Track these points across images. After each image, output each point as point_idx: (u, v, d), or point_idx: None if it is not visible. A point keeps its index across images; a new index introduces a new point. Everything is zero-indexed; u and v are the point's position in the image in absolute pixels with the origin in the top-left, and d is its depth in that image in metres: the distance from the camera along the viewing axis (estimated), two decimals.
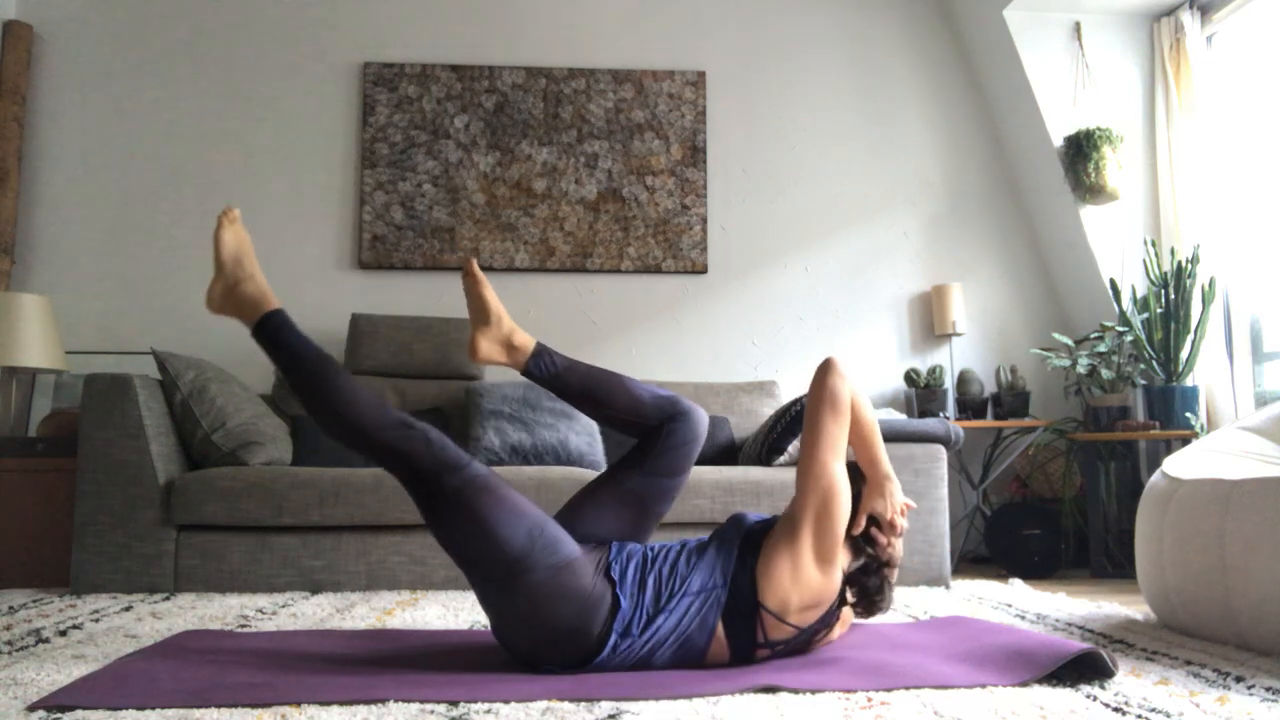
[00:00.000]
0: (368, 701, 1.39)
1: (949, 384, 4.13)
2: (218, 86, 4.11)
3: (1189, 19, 3.84)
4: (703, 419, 1.83)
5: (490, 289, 1.85)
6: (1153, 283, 3.71)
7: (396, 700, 1.40)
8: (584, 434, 3.40)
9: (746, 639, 1.62)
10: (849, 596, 1.70)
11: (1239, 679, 1.56)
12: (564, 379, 1.84)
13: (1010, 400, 3.94)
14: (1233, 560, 1.86)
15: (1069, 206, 4.03)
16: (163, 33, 4.11)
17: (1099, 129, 3.89)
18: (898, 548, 1.75)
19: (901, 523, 1.73)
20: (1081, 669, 1.57)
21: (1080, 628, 2.12)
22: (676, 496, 1.86)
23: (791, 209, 4.29)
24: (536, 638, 1.58)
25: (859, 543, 1.73)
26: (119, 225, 4.00)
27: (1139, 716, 1.32)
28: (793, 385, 4.13)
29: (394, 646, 1.87)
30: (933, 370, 4.02)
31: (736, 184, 4.28)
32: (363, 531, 2.93)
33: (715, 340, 4.19)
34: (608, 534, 1.76)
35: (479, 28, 4.24)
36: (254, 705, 1.38)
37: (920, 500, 3.10)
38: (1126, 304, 3.81)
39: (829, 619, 1.67)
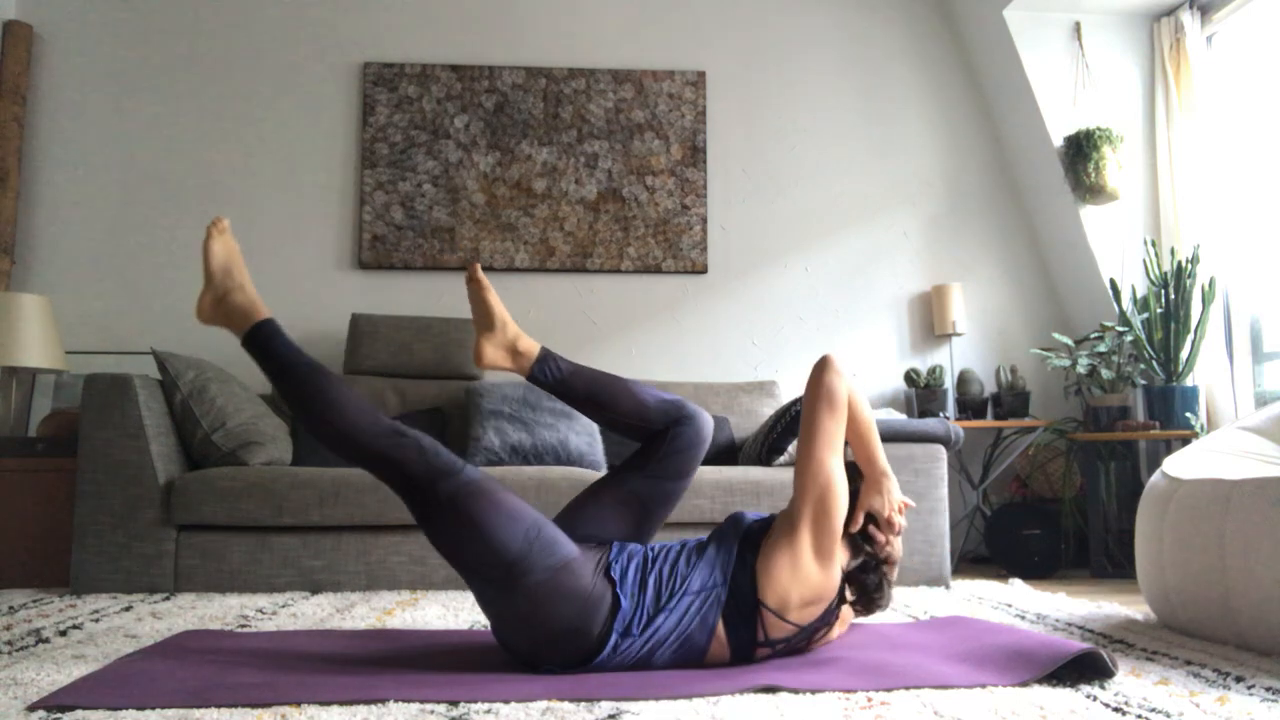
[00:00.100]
0: (368, 701, 1.39)
1: (949, 384, 4.13)
2: (218, 86, 4.11)
3: (1189, 19, 3.84)
4: (708, 423, 1.84)
5: (495, 294, 1.86)
6: (1153, 283, 3.71)
7: (396, 700, 1.40)
8: (584, 434, 3.40)
9: (747, 638, 1.62)
10: (848, 594, 1.70)
11: (1239, 679, 1.56)
12: (569, 384, 1.84)
13: (1010, 400, 3.94)
14: (1233, 560, 1.86)
15: (1069, 206, 4.03)
16: (163, 33, 4.12)
17: (1099, 129, 3.89)
18: (896, 546, 1.76)
19: (899, 520, 1.73)
20: (1081, 669, 1.57)
21: (1080, 628, 2.12)
22: (680, 499, 1.86)
23: (791, 209, 4.29)
24: (536, 638, 1.58)
25: (857, 541, 1.73)
26: (119, 225, 4.00)
27: (1139, 716, 1.32)
28: (793, 385, 4.13)
29: (394, 646, 1.87)
30: (933, 370, 4.03)
31: (736, 184, 4.28)
32: (363, 531, 2.93)
33: (715, 340, 4.19)
34: (610, 535, 1.76)
35: (479, 28, 4.24)
36: (254, 705, 1.38)
37: (920, 500, 3.10)
38: (1126, 304, 3.81)
39: (828, 617, 1.67)
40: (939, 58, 4.40)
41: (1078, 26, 4.08)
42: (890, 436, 3.12)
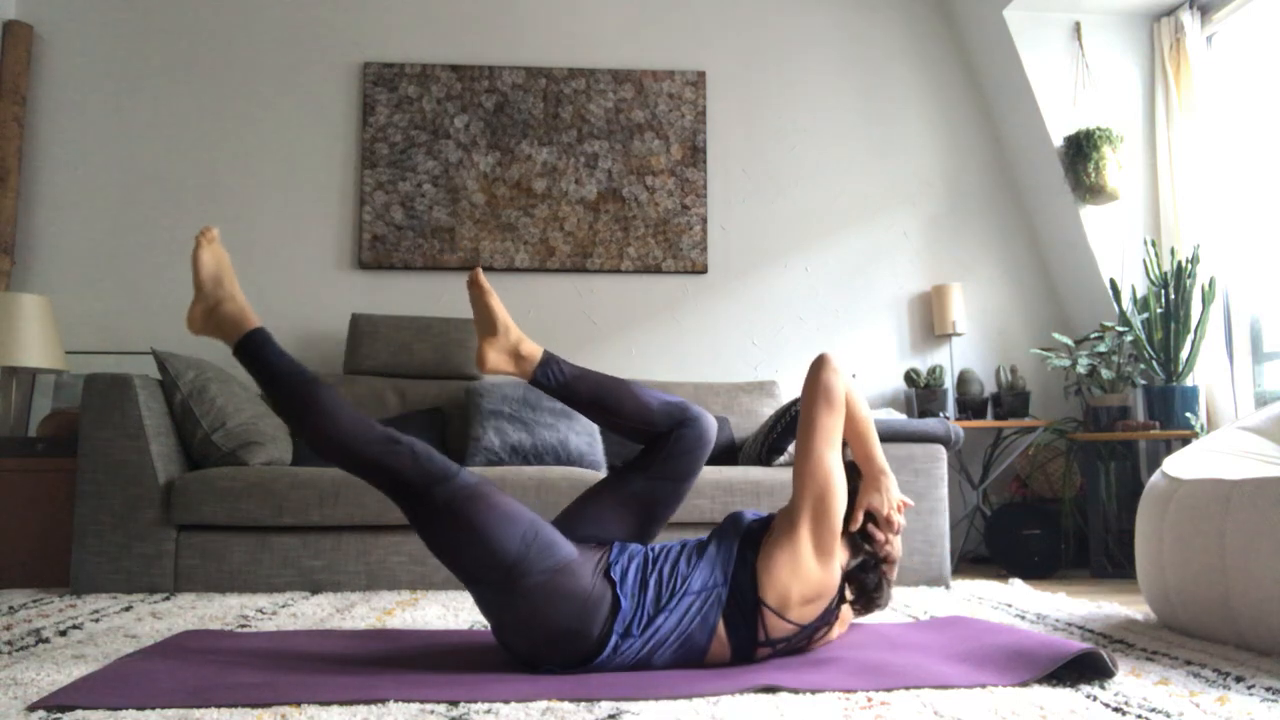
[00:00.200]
0: (368, 701, 1.39)
1: (949, 384, 4.13)
2: (218, 86, 4.11)
3: (1189, 19, 3.84)
4: (711, 425, 1.83)
5: (496, 299, 1.85)
6: (1153, 283, 3.71)
7: (396, 700, 1.40)
8: (584, 434, 3.40)
9: (747, 637, 1.62)
10: (848, 594, 1.70)
11: (1239, 679, 1.56)
12: (572, 388, 1.84)
13: (1010, 400, 3.94)
14: (1233, 560, 1.86)
15: (1069, 206, 4.03)
16: (163, 33, 4.12)
17: (1099, 129, 3.89)
18: (896, 545, 1.76)
19: (898, 519, 1.73)
20: (1081, 669, 1.57)
21: (1080, 628, 2.12)
22: (682, 501, 1.86)
23: (791, 209, 4.29)
24: (536, 640, 1.58)
25: (857, 540, 1.73)
26: (119, 225, 4.00)
27: (1139, 716, 1.32)
28: (793, 385, 4.13)
29: (394, 646, 1.87)
30: (933, 370, 4.03)
31: (736, 184, 4.28)
32: (363, 531, 2.93)
33: (715, 340, 4.19)
34: (612, 536, 1.76)
35: (479, 28, 4.24)
36: (254, 705, 1.38)
37: (920, 500, 3.11)
38: (1126, 304, 3.81)
39: (828, 616, 1.67)
40: (939, 58, 4.40)
41: (1078, 26, 4.08)
42: (890, 436, 3.12)
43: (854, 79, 4.37)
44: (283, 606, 2.52)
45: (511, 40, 4.24)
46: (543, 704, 1.39)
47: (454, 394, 3.68)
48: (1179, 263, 3.65)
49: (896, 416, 3.56)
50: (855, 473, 1.78)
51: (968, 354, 4.25)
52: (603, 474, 3.23)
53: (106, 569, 2.83)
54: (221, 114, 4.11)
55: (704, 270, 4.17)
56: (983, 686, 1.49)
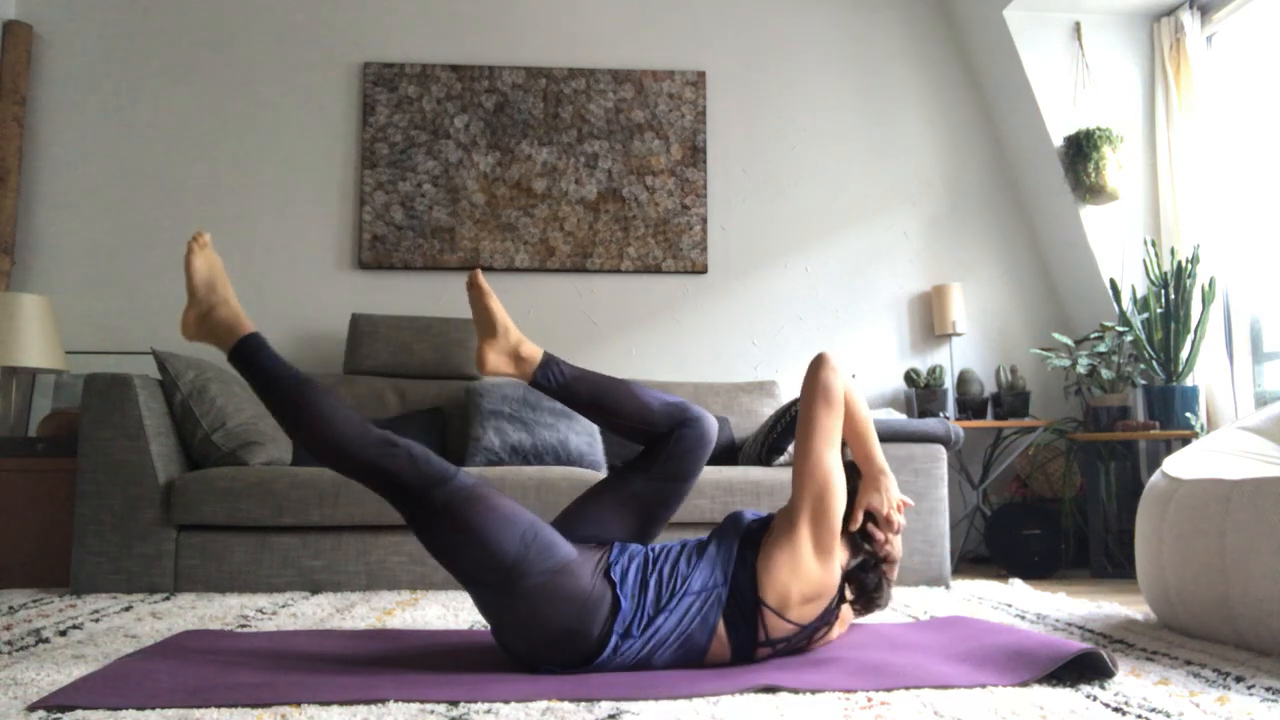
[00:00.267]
0: (368, 701, 1.39)
1: (949, 384, 4.13)
2: (218, 86, 4.11)
3: (1189, 19, 3.84)
4: (712, 425, 1.83)
5: (496, 300, 1.85)
6: (1153, 283, 3.71)
7: (396, 700, 1.40)
8: (584, 434, 3.40)
9: (747, 637, 1.62)
10: (847, 593, 1.70)
11: (1239, 679, 1.56)
12: (572, 389, 1.84)
13: (1010, 400, 3.94)
14: (1233, 560, 1.86)
15: (1069, 206, 4.03)
16: (163, 33, 4.12)
17: (1099, 129, 3.89)
18: (896, 544, 1.76)
19: (898, 519, 1.73)
20: (1081, 669, 1.57)
21: (1080, 628, 2.12)
22: (683, 501, 1.86)
23: (791, 209, 4.29)
24: (536, 641, 1.58)
25: (856, 540, 1.73)
26: (119, 225, 4.00)
27: (1139, 716, 1.32)
28: (793, 385, 4.13)
29: (394, 646, 1.87)
30: (933, 370, 4.03)
31: (736, 184, 4.28)
32: (363, 531, 2.93)
33: (715, 340, 4.19)
34: (612, 536, 1.76)
35: (479, 28, 4.24)
36: (254, 705, 1.38)
37: (920, 500, 3.11)
38: (1126, 304, 3.81)
39: (828, 616, 1.67)
40: (939, 58, 4.40)
41: (1078, 26, 4.08)
42: (890, 436, 3.12)
43: (854, 79, 4.37)
44: (283, 606, 2.52)
45: (511, 40, 4.25)
46: (543, 704, 1.39)
47: (454, 394, 3.68)
48: (1179, 263, 3.65)
49: (896, 416, 3.56)
50: (855, 472, 1.78)
51: (968, 354, 4.25)
52: (603, 474, 3.23)
53: (106, 569, 2.83)
54: (221, 114, 4.11)
55: (704, 270, 4.17)
56: (983, 686, 1.49)
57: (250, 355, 1.70)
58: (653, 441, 1.82)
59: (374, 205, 4.07)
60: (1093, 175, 3.86)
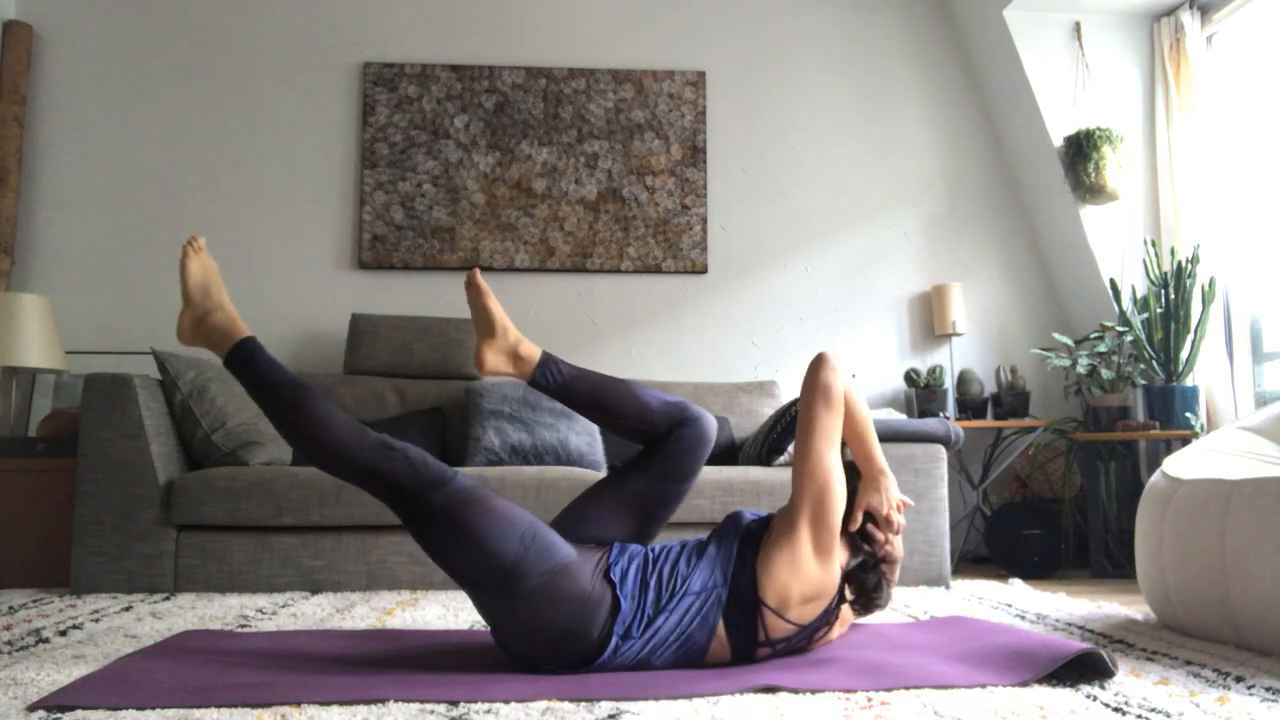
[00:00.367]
0: (368, 701, 1.39)
1: (949, 384, 4.13)
2: (218, 86, 4.11)
3: (1189, 19, 3.84)
4: (711, 425, 1.83)
5: (494, 300, 1.85)
6: (1153, 283, 3.71)
7: (396, 700, 1.40)
8: (584, 434, 3.40)
9: (747, 637, 1.62)
10: (847, 594, 1.70)
11: (1239, 679, 1.56)
12: (571, 388, 1.83)
13: (1010, 400, 3.94)
14: (1233, 560, 1.86)
15: (1069, 206, 4.03)
16: (163, 33, 4.12)
17: (1099, 129, 3.89)
18: (896, 545, 1.75)
19: (898, 519, 1.73)
20: (1081, 669, 1.57)
21: (1080, 628, 2.12)
22: (682, 501, 1.86)
23: (791, 209, 4.29)
24: (536, 642, 1.58)
25: (856, 540, 1.73)
26: (119, 225, 4.00)
27: (1139, 716, 1.32)
28: (793, 385, 4.13)
29: (394, 646, 1.87)
30: (933, 370, 4.03)
31: (736, 184, 4.28)
32: (363, 531, 2.93)
33: (715, 340, 4.19)
34: (611, 536, 1.75)
35: (479, 28, 4.24)
36: (254, 705, 1.38)
37: (920, 500, 3.11)
38: (1126, 304, 3.81)
39: (828, 616, 1.67)
40: (939, 58, 4.40)
41: (1078, 26, 4.08)
42: (890, 436, 3.12)
43: (854, 79, 4.37)
44: (283, 606, 2.52)
45: (511, 40, 4.25)
46: (543, 704, 1.39)
47: (454, 394, 3.68)
48: (1179, 263, 3.65)
49: (896, 416, 3.56)
50: (855, 473, 1.78)
51: (968, 354, 4.25)
52: (603, 474, 3.23)
53: (106, 569, 2.83)
54: (221, 114, 4.11)
55: (704, 270, 4.17)
56: (983, 686, 1.49)
57: (246, 360, 1.70)
58: (652, 441, 1.82)
59: (374, 205, 4.07)
60: (1093, 175, 3.86)
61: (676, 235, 4.16)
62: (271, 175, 4.10)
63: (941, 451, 3.17)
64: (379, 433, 1.66)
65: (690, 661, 1.62)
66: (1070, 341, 3.93)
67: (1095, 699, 1.42)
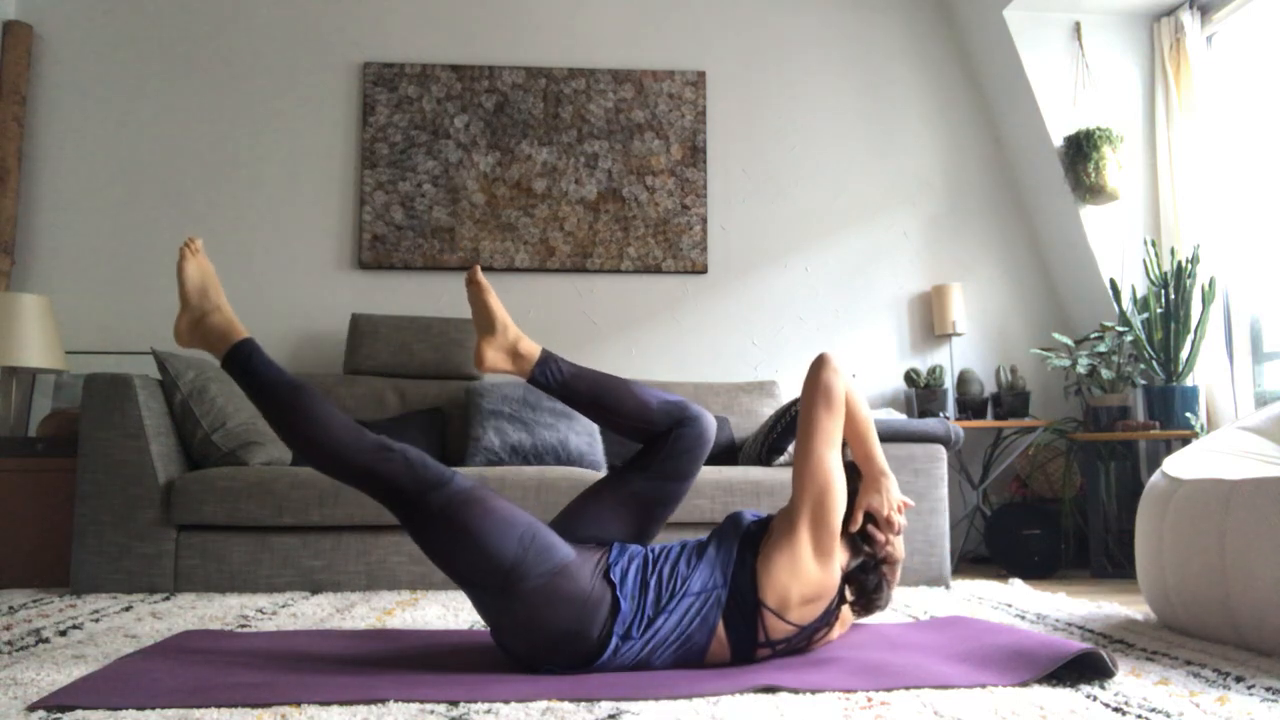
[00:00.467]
0: (368, 701, 1.39)
1: (949, 384, 4.13)
2: (218, 86, 4.11)
3: (1189, 19, 3.84)
4: (711, 424, 1.83)
5: (495, 297, 1.84)
6: (1153, 283, 3.71)
7: (396, 700, 1.40)
8: (584, 434, 3.40)
9: (747, 638, 1.62)
10: (848, 595, 1.70)
11: (1239, 679, 1.56)
12: (571, 386, 1.83)
13: (1010, 400, 3.94)
14: (1233, 560, 1.86)
15: (1069, 206, 4.03)
16: (163, 33, 4.12)
17: (1099, 129, 3.89)
18: (897, 545, 1.75)
19: (899, 520, 1.72)
20: (1081, 669, 1.57)
21: (1080, 628, 2.12)
22: (682, 500, 1.86)
23: (791, 209, 4.29)
24: (536, 642, 1.58)
25: (857, 541, 1.73)
26: (119, 225, 4.00)
27: (1139, 716, 1.32)
28: (793, 385, 4.13)
29: (394, 646, 1.87)
30: (933, 370, 4.03)
31: (736, 184, 4.28)
32: (363, 531, 2.93)
33: (715, 340, 4.19)
34: (611, 536, 1.75)
35: (479, 28, 4.24)
36: (254, 705, 1.38)
37: (920, 500, 3.11)
38: (1126, 304, 3.81)
39: (829, 617, 1.67)
40: (939, 58, 4.40)
41: (1078, 26, 4.08)
42: (890, 436, 3.12)
43: (854, 79, 4.37)
44: (283, 606, 2.52)
45: (511, 40, 4.25)
46: (543, 704, 1.39)
47: (454, 394, 3.68)
48: (1179, 263, 3.65)
49: (896, 416, 3.56)
50: (855, 473, 1.78)
51: (968, 354, 4.25)
52: (603, 474, 3.22)
53: (106, 569, 2.83)
54: (221, 114, 4.11)
55: (704, 270, 4.17)
56: (983, 686, 1.49)
57: (244, 361, 1.70)
58: (652, 440, 1.82)
59: (374, 205, 4.07)
60: (1093, 175, 3.85)
61: (676, 235, 4.16)
62: (271, 175, 4.10)
63: (941, 451, 3.17)
64: (378, 434, 1.66)
65: (690, 662, 1.62)
66: (1070, 341, 3.93)
67: (1095, 699, 1.42)
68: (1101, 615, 2.32)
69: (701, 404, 3.76)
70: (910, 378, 4.03)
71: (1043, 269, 4.35)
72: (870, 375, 4.22)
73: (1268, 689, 1.49)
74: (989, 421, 3.90)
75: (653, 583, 1.62)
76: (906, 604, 2.58)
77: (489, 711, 1.35)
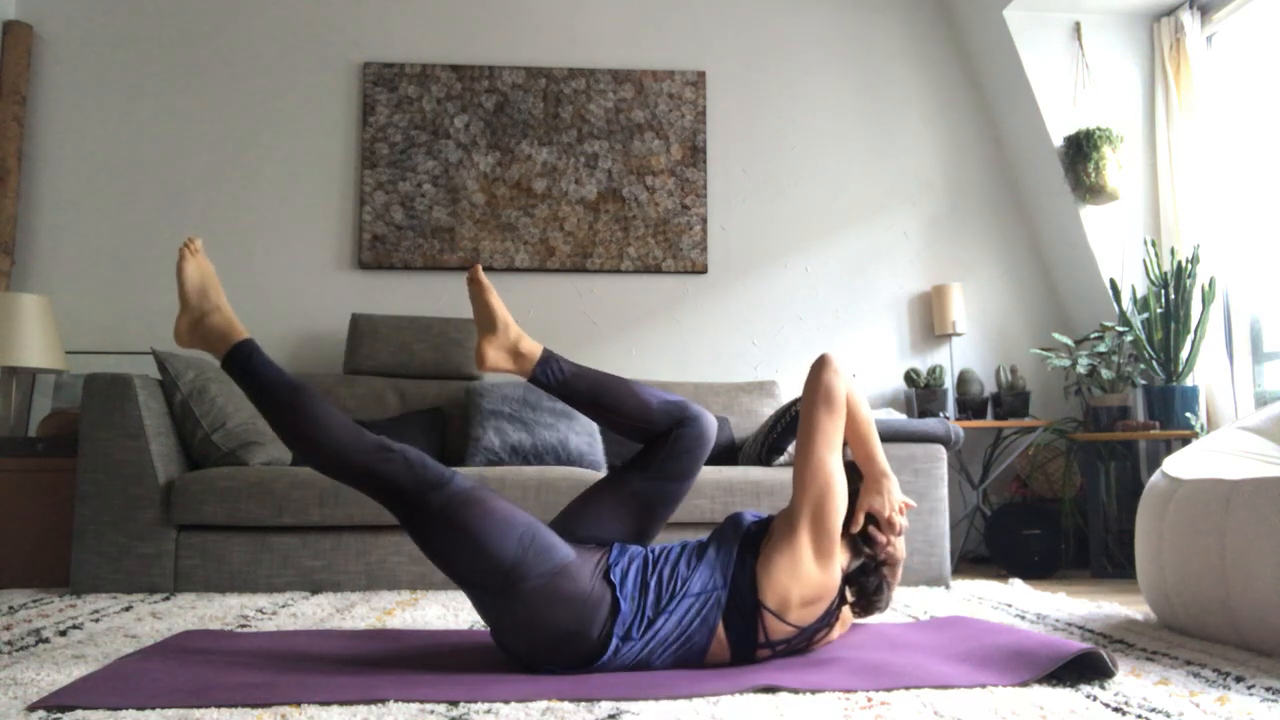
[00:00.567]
0: (368, 701, 1.39)
1: (949, 384, 4.13)
2: (218, 86, 4.11)
3: (1189, 19, 3.84)
4: (711, 424, 1.83)
5: (496, 296, 1.84)
6: (1153, 283, 3.71)
7: (396, 700, 1.40)
8: (584, 434, 3.40)
9: (747, 639, 1.62)
10: (848, 596, 1.70)
11: (1239, 679, 1.56)
12: (571, 386, 1.83)
13: (1010, 400, 3.94)
14: (1233, 560, 1.86)
15: (1069, 206, 4.03)
16: (163, 33, 4.12)
17: (1099, 129, 3.89)
18: (898, 546, 1.75)
19: (900, 521, 1.72)
20: (1081, 669, 1.57)
21: (1080, 628, 2.12)
22: (682, 500, 1.86)
23: (791, 209, 4.29)
24: (536, 643, 1.58)
25: (857, 542, 1.73)
26: (119, 225, 4.00)
27: (1139, 716, 1.32)
28: (793, 385, 4.13)
29: (394, 646, 1.87)
30: (933, 370, 4.03)
31: (736, 184, 4.28)
32: (363, 531, 2.93)
33: (715, 340, 4.19)
34: (611, 536, 1.75)
35: (479, 28, 4.24)
36: (254, 705, 1.38)
37: (920, 500, 3.11)
38: (1126, 304, 3.81)
39: (829, 618, 1.67)
40: (939, 58, 4.40)
41: (1078, 26, 4.08)
42: (890, 436, 3.12)
43: (854, 79, 4.37)
44: (283, 606, 2.52)
45: (511, 40, 4.25)
46: (543, 704, 1.39)
47: (454, 394, 3.68)
48: (1179, 263, 3.65)
49: (896, 416, 3.56)
50: (856, 474, 1.78)
51: (968, 354, 4.25)
52: (603, 474, 3.22)
53: (106, 569, 2.83)
54: (221, 114, 4.11)
55: (704, 270, 4.17)
56: (983, 686, 1.49)
57: (244, 362, 1.70)
58: (652, 440, 1.82)
59: (374, 205, 4.07)
60: (1093, 175, 3.85)
61: (676, 235, 4.16)
62: (271, 175, 4.10)
63: (941, 451, 3.17)
64: (377, 434, 1.66)
65: (690, 662, 1.62)
66: (1070, 341, 3.93)
67: (1095, 699, 1.42)
68: (1101, 615, 2.32)
69: (701, 404, 3.76)
70: (910, 378, 4.03)
71: (1043, 269, 4.35)
72: (870, 375, 4.22)
73: (1268, 689, 1.49)
74: (989, 421, 3.90)
75: (653, 584, 1.62)
76: (906, 604, 2.58)
77: (489, 711, 1.35)
